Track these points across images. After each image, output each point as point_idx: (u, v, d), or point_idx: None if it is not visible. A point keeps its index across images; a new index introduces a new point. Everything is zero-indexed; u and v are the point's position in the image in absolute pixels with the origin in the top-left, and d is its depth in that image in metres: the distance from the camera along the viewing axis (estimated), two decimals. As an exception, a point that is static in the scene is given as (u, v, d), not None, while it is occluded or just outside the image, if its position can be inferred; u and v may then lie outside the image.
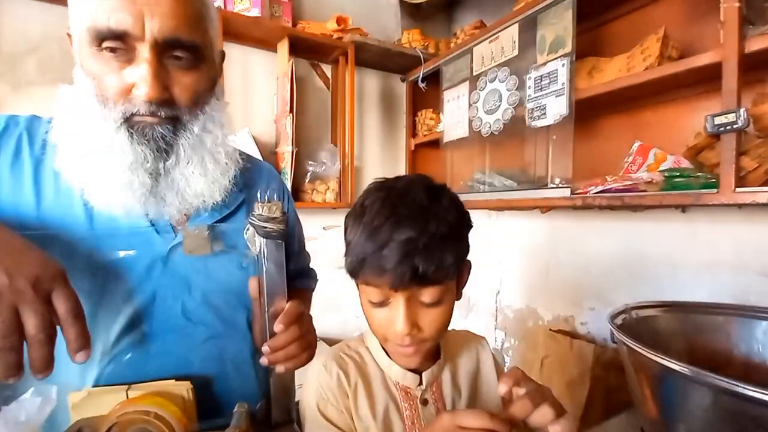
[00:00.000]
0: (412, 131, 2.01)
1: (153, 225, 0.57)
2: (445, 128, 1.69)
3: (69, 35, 0.54)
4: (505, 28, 1.37)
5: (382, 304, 0.53)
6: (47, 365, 0.39)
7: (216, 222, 0.61)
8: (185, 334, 0.58)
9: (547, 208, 1.35)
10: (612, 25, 1.29)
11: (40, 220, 0.52)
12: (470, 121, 1.53)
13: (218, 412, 0.58)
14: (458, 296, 0.58)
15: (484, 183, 1.51)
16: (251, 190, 0.67)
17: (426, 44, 1.91)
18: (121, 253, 0.55)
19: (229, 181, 0.60)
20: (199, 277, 0.59)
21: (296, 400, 0.66)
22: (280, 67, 1.67)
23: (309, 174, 1.74)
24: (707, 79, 0.95)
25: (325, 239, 1.86)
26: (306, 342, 0.58)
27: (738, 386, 0.47)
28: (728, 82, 0.83)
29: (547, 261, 1.53)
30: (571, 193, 1.15)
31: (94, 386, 0.53)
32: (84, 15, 0.48)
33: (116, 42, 0.48)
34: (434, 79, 1.80)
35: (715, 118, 0.84)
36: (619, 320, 0.75)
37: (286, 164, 1.59)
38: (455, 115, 1.62)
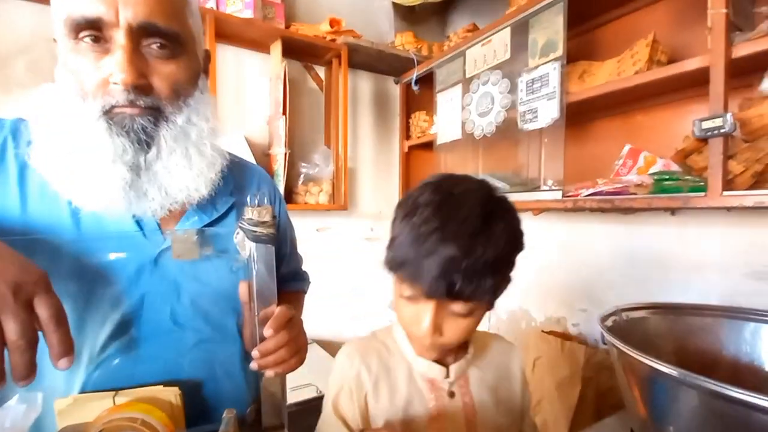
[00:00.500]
0: (406, 133, 2.01)
1: (141, 228, 0.56)
2: (438, 130, 1.70)
3: (55, 40, 0.54)
4: (497, 32, 1.38)
5: (413, 300, 0.54)
6: (29, 372, 0.38)
7: (206, 226, 0.61)
8: (174, 339, 0.57)
9: (539, 210, 1.36)
10: (602, 29, 1.31)
11: (26, 224, 0.52)
12: (463, 124, 1.54)
13: (208, 417, 0.57)
14: (490, 307, 0.56)
15: (476, 185, 1.51)
16: (242, 194, 0.66)
17: (419, 47, 1.91)
18: (110, 257, 0.54)
19: (216, 175, 0.59)
20: (189, 282, 0.59)
21: (286, 404, 0.65)
22: (273, 69, 1.66)
23: (302, 176, 1.73)
24: (695, 83, 0.96)
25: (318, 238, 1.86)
26: (296, 346, 0.58)
27: (725, 389, 0.48)
28: (715, 87, 0.85)
29: (539, 262, 1.54)
30: (563, 196, 1.16)
31: (81, 392, 0.52)
32: (61, 9, 0.48)
33: (92, 31, 0.47)
34: (427, 81, 1.80)
35: (702, 123, 0.85)
36: (609, 322, 0.76)
37: (279, 166, 1.59)
38: (448, 117, 1.62)
